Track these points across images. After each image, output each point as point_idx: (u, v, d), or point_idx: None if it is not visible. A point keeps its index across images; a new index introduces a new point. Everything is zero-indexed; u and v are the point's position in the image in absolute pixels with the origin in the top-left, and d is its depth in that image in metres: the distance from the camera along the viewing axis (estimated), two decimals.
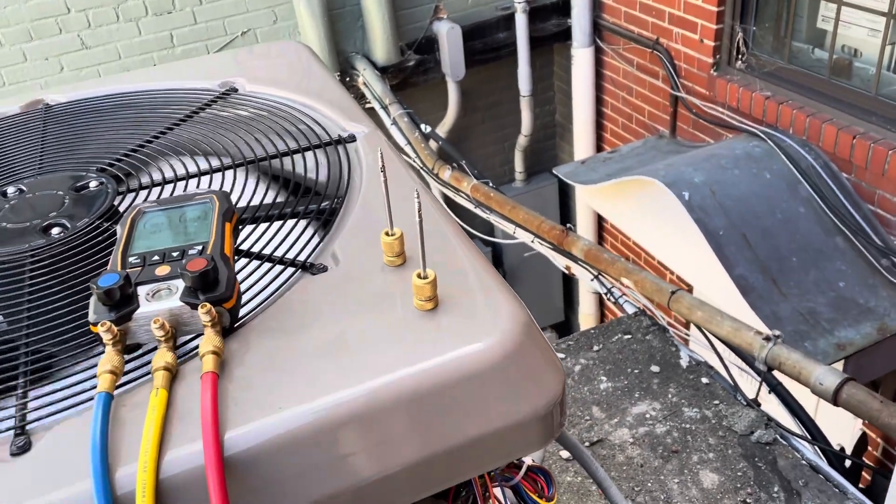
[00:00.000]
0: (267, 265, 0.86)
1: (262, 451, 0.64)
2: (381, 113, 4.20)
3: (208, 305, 0.70)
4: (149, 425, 0.64)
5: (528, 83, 4.92)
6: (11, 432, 0.66)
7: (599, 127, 5.12)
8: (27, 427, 0.67)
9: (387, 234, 0.81)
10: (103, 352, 0.71)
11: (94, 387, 0.69)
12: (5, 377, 0.74)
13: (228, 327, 0.74)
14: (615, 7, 4.55)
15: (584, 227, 5.33)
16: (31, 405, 0.69)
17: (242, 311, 0.77)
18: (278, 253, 0.88)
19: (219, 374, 0.68)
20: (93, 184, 1.02)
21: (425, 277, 0.73)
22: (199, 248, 0.77)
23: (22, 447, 0.65)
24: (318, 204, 0.95)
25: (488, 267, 0.80)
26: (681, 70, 4.18)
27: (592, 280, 2.76)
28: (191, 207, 0.85)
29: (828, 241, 3.20)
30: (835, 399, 1.94)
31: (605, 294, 2.75)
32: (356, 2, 4.26)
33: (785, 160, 3.38)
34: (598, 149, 5.19)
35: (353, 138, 1.11)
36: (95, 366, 0.75)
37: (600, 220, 5.37)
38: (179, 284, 0.73)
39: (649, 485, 2.00)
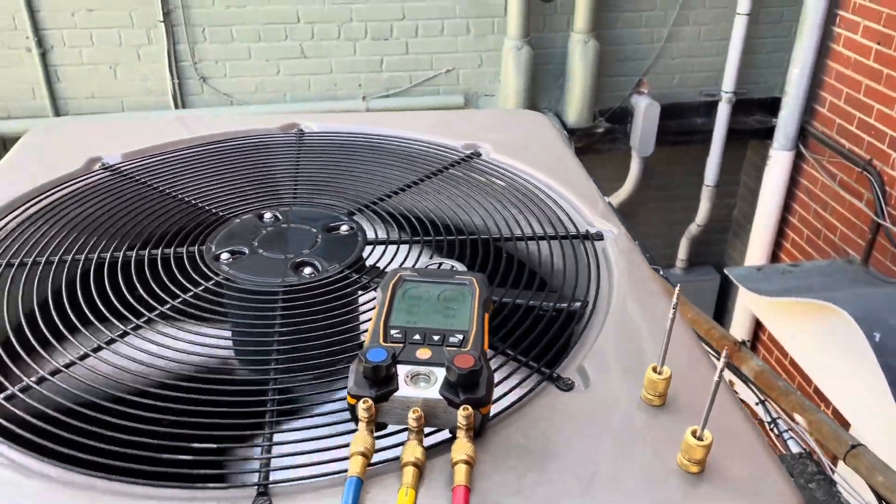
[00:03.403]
0: (509, 363, 0.82)
1: None
2: None
3: (470, 409, 0.67)
4: None
5: (714, 173, 4.72)
6: (255, 490, 0.65)
7: (780, 234, 4.83)
8: (269, 487, 0.66)
9: (654, 370, 0.74)
10: (354, 425, 0.69)
11: (340, 456, 0.68)
12: (255, 412, 0.74)
13: (477, 432, 0.70)
14: (829, 117, 4.30)
15: (738, 333, 5.02)
16: (274, 462, 0.69)
17: None
18: (518, 350, 0.84)
19: (470, 489, 0.64)
20: (343, 228, 1.03)
21: (701, 439, 0.66)
22: (460, 336, 0.75)
23: None
24: (568, 304, 0.90)
25: (760, 438, 0.72)
26: (890, 198, 3.86)
27: (757, 405, 2.55)
28: (451, 287, 0.83)
29: None
30: None
31: (769, 424, 2.53)
32: (562, 61, 4.27)
33: None
34: (775, 256, 4.88)
35: (600, 236, 1.07)
36: (336, 412, 0.74)
37: (757, 331, 5.03)
38: (439, 374, 0.70)
39: None
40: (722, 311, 5.49)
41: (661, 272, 3.38)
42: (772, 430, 2.54)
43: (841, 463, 2.69)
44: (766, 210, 4.70)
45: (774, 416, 2.53)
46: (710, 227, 5.16)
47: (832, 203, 4.35)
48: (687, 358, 0.81)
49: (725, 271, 4.08)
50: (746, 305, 4.74)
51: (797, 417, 2.36)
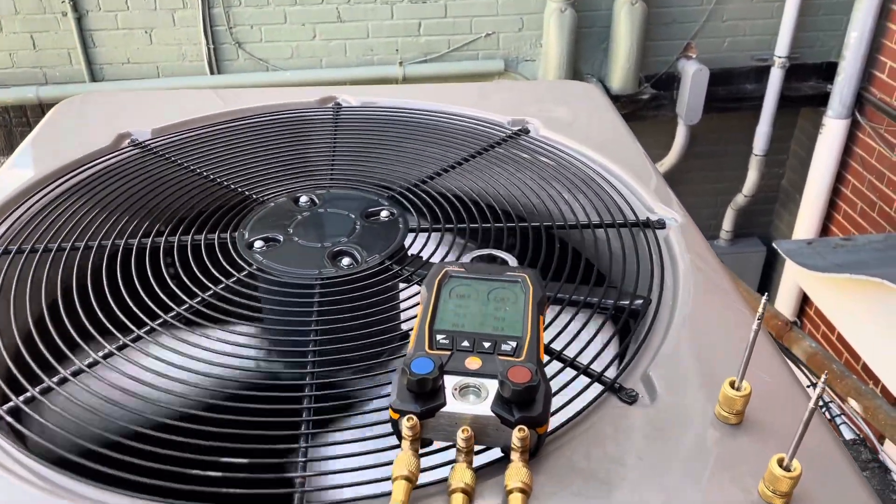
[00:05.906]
0: (564, 371, 0.75)
1: None
2: None
3: (526, 430, 0.60)
4: None
5: (764, 142, 4.53)
6: None
7: (832, 206, 4.64)
8: None
9: (732, 385, 0.66)
10: (396, 440, 0.63)
11: (381, 476, 0.62)
12: (290, 422, 0.68)
13: (533, 453, 0.64)
14: (888, 83, 4.07)
15: (784, 307, 4.87)
16: (310, 482, 0.63)
17: None
18: (572, 356, 0.76)
19: None
20: (383, 213, 0.96)
21: (789, 469, 0.58)
22: (513, 343, 0.67)
23: None
24: (629, 302, 0.83)
25: (855, 468, 0.64)
26: None
27: (809, 387, 2.45)
28: (502, 285, 0.75)
29: None
30: None
31: (821, 407, 2.43)
32: (607, 24, 4.10)
33: None
34: (825, 229, 4.70)
35: (662, 224, 0.98)
36: (377, 423, 0.68)
37: (803, 305, 4.88)
38: (490, 386, 0.63)
39: None
40: (767, 285, 5.34)
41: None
42: (824, 413, 2.43)
43: (888, 442, 2.59)
44: (817, 180, 4.51)
45: (827, 399, 2.42)
46: (758, 198, 4.98)
47: (889, 174, 4.15)
48: (766, 371, 0.73)
49: (774, 245, 3.92)
50: (794, 280, 4.58)
51: (852, 403, 2.25)
